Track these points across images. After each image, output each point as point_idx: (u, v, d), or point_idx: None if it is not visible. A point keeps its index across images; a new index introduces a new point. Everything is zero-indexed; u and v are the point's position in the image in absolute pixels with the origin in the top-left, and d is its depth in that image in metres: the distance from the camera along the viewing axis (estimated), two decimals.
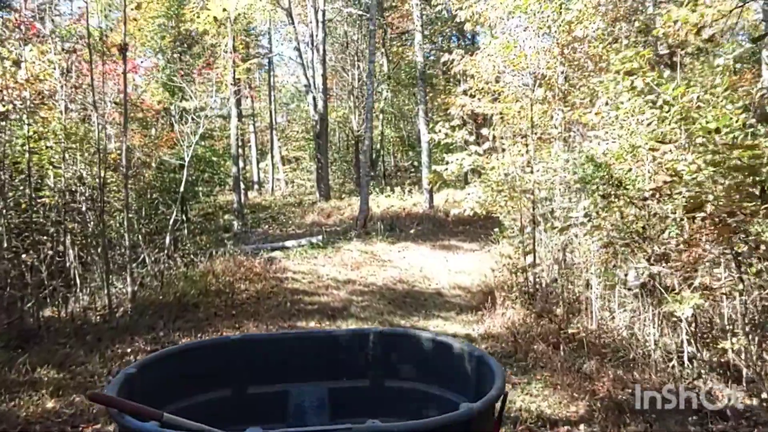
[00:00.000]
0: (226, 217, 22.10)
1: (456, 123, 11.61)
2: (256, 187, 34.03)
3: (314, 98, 24.56)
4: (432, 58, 29.24)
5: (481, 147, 11.20)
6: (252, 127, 35.35)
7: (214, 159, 24.68)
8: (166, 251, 10.13)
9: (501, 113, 12.32)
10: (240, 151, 31.45)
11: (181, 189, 12.16)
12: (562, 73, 10.78)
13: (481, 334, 8.33)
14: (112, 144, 11.75)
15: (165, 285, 9.51)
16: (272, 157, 35.16)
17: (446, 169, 11.81)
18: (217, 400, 3.37)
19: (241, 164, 31.23)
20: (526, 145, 10.65)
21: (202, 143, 24.35)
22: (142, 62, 21.54)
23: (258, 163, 36.63)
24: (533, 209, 10.26)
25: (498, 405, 2.74)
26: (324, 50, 24.83)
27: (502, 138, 11.80)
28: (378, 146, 31.76)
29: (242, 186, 29.42)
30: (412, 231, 17.08)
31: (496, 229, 13.78)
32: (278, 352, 3.62)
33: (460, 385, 3.15)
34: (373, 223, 17.68)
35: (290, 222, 20.21)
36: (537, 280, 10.12)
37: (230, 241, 17.47)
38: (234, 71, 20.65)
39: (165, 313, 8.47)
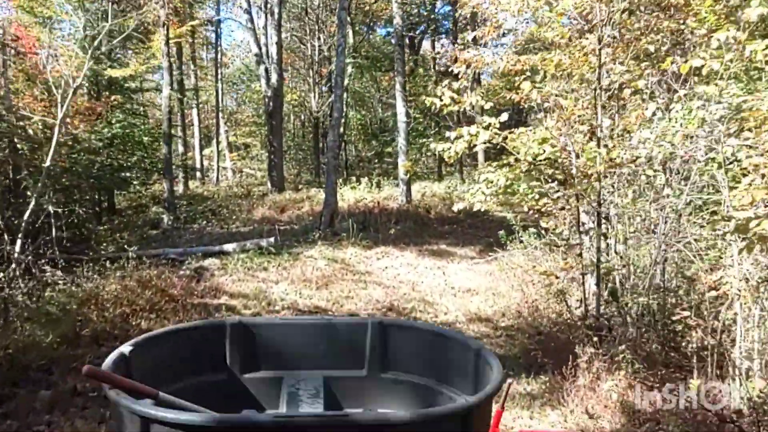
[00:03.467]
0: (154, 210, 17.99)
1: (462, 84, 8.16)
2: (198, 175, 29.79)
3: (267, 70, 20.54)
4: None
5: (499, 118, 7.69)
6: (195, 109, 30.92)
7: (145, 140, 20.68)
8: (15, 263, 6.07)
9: (534, 69, 8.70)
10: (180, 134, 27.46)
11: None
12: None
13: None
14: None
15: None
16: (218, 142, 30.89)
17: (449, 148, 8.17)
18: (210, 383, 3.24)
19: (181, 149, 27.26)
20: (591, 107, 7.03)
21: (133, 121, 20.43)
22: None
23: (202, 149, 32.25)
24: (599, 203, 6.68)
25: (502, 393, 2.70)
26: (280, 14, 20.84)
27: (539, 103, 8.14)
28: (342, 130, 27.84)
29: (182, 173, 25.48)
30: (391, 231, 13.25)
31: (501, 232, 10.50)
32: (274, 337, 3.45)
33: (458, 379, 3.02)
34: (341, 220, 13.82)
35: (234, 217, 16.19)
36: (614, 313, 6.57)
37: (155, 242, 13.58)
38: (167, 29, 16.47)
39: None
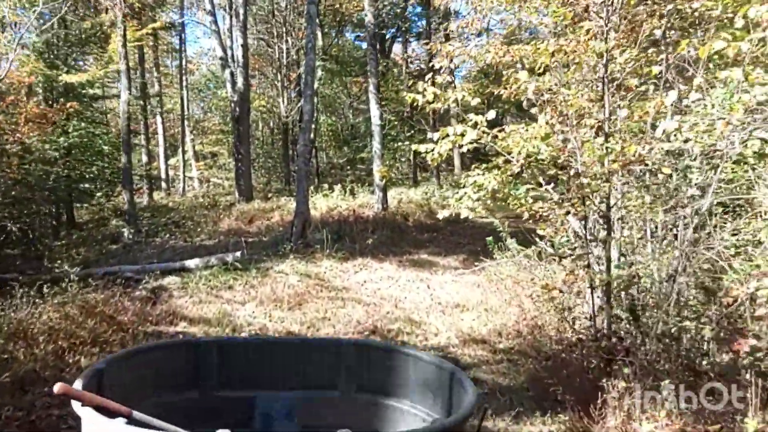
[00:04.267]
0: (114, 223, 16.87)
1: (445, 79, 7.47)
2: (163, 186, 28.61)
3: (232, 74, 19.53)
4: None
5: (486, 116, 6.96)
6: (159, 117, 29.69)
7: (106, 149, 19.56)
8: None
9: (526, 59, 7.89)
10: (144, 143, 26.31)
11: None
12: None
13: None
14: None
15: None
16: (183, 151, 29.73)
17: (432, 149, 7.40)
18: (184, 401, 3.24)
19: (145, 159, 26.11)
20: (596, 98, 6.22)
21: (92, 129, 19.26)
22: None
23: (167, 158, 31.01)
24: (607, 206, 5.90)
25: (476, 421, 2.72)
26: (245, 15, 19.83)
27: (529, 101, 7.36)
28: (312, 135, 26.88)
29: (146, 184, 24.38)
30: (368, 241, 12.30)
31: (489, 239, 10.01)
32: (249, 357, 3.45)
33: (432, 401, 3.02)
34: (314, 230, 12.85)
35: (199, 229, 15.11)
36: (631, 332, 5.78)
37: (114, 258, 12.51)
38: (124, 31, 15.39)
39: None
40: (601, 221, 6.56)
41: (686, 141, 4.57)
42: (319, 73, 21.77)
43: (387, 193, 16.47)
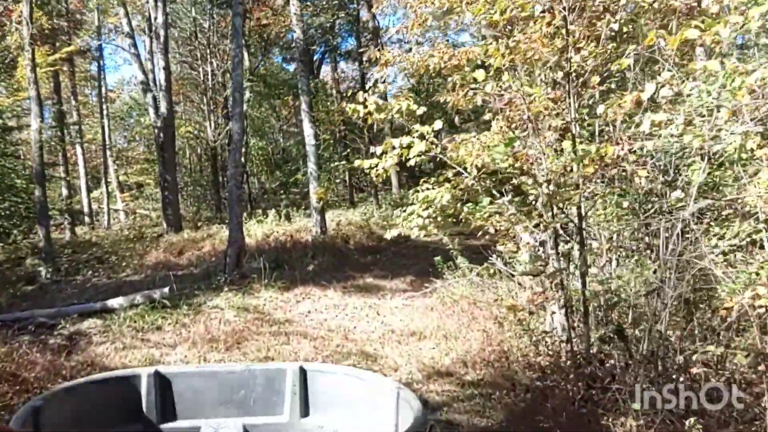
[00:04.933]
0: (30, 261, 15.51)
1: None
2: (87, 220, 26.94)
3: (155, 98, 18.49)
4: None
5: (432, 126, 6.44)
6: (79, 147, 28.07)
7: (19, 183, 18.18)
8: None
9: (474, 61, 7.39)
10: (63, 174, 24.75)
11: None
12: None
13: None
14: None
15: None
16: (107, 183, 28.15)
17: (376, 165, 6.78)
18: None
19: (65, 192, 24.57)
20: (560, 99, 5.68)
21: (2, 162, 17.85)
22: None
23: (89, 191, 29.33)
24: (579, 215, 5.34)
25: None
26: (166, 36, 18.84)
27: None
28: (243, 159, 25.94)
29: (68, 218, 22.85)
30: (309, 268, 11.49)
31: (438, 258, 9.69)
32: (192, 386, 3.38)
33: (380, 422, 2.99)
34: (250, 259, 11.96)
35: (124, 264, 13.98)
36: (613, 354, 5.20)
37: (28, 300, 11.32)
38: (32, 54, 14.22)
39: None
40: (565, 234, 6.00)
41: (681, 135, 3.99)
42: (247, 94, 20.92)
43: (325, 215, 15.69)
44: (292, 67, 30.35)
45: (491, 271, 9.05)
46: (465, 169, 7.43)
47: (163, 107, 18.32)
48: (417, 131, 7.33)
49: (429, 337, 7.42)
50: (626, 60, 4.92)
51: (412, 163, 7.15)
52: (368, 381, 3.26)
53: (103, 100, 28.59)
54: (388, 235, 8.60)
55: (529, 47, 5.45)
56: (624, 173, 5.27)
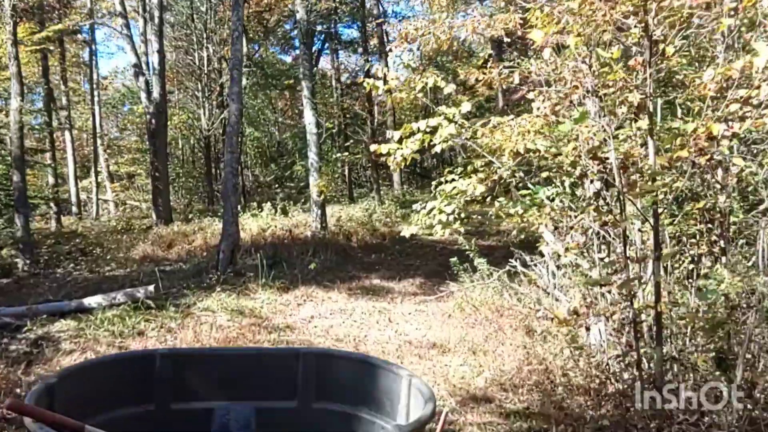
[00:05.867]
0: (5, 252, 14.42)
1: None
2: (74, 210, 25.83)
3: (148, 82, 17.43)
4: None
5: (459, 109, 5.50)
6: (69, 134, 26.90)
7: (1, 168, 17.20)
8: None
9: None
10: (50, 161, 23.62)
11: None
12: None
13: None
14: None
15: None
16: (96, 172, 27.02)
17: (395, 151, 5.80)
18: (139, 414, 3.14)
19: (51, 180, 23.45)
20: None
21: None
22: None
23: (78, 180, 28.20)
24: (655, 212, 4.32)
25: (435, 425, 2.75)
26: (161, 17, 17.81)
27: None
28: (240, 141, 24.93)
29: (54, 207, 21.73)
30: (311, 266, 10.44)
31: (454, 259, 8.81)
32: (205, 368, 3.38)
33: (390, 409, 3.01)
34: (244, 255, 10.93)
35: (109, 257, 12.94)
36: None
37: (2, 295, 10.28)
38: (14, 26, 13.16)
39: None
40: (609, 236, 5.00)
41: None
42: (244, 81, 19.89)
43: (326, 210, 14.67)
44: (289, 59, 29.48)
45: (520, 276, 8.10)
46: (499, 157, 6.45)
47: (156, 92, 17.29)
48: (442, 114, 6.37)
49: (453, 350, 6.41)
50: (726, 20, 3.95)
51: (438, 149, 6.19)
52: (380, 368, 3.17)
53: (95, 86, 27.50)
54: (406, 232, 7.58)
55: (599, 5, 4.42)
56: (710, 162, 4.27)
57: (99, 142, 27.44)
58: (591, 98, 4.53)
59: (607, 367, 4.92)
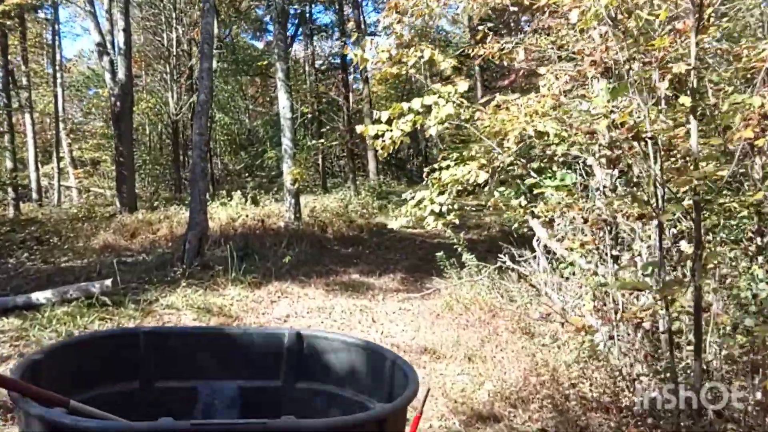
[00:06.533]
0: None
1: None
2: (34, 197, 24.65)
3: (113, 62, 16.49)
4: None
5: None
6: (29, 117, 25.63)
7: None
8: None
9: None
10: (8, 145, 22.50)
11: None
12: None
13: None
14: None
15: None
16: (58, 158, 25.83)
17: (384, 132, 5.08)
18: (123, 392, 3.12)
19: (9, 165, 22.36)
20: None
21: None
22: None
23: (39, 165, 26.95)
24: (696, 204, 3.57)
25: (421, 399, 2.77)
26: None
27: None
28: (209, 123, 24.07)
29: (11, 194, 20.65)
30: (285, 260, 9.69)
31: (440, 253, 8.34)
32: (189, 346, 3.33)
33: (374, 388, 3.00)
34: (212, 246, 10.15)
35: (67, 246, 12.05)
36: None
37: None
38: None
39: None
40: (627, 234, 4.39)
41: None
42: (215, 64, 18.99)
43: (299, 200, 13.91)
44: (261, 44, 28.58)
45: (509, 272, 7.53)
46: (500, 143, 5.84)
47: (121, 73, 16.35)
48: (436, 93, 5.77)
49: (447, 356, 5.75)
50: None
51: (433, 132, 5.56)
52: (364, 348, 3.13)
53: (58, 67, 26.28)
54: (395, 224, 6.96)
55: None
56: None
57: (62, 126, 26.27)
58: (625, 69, 3.86)
59: (633, 379, 4.30)
